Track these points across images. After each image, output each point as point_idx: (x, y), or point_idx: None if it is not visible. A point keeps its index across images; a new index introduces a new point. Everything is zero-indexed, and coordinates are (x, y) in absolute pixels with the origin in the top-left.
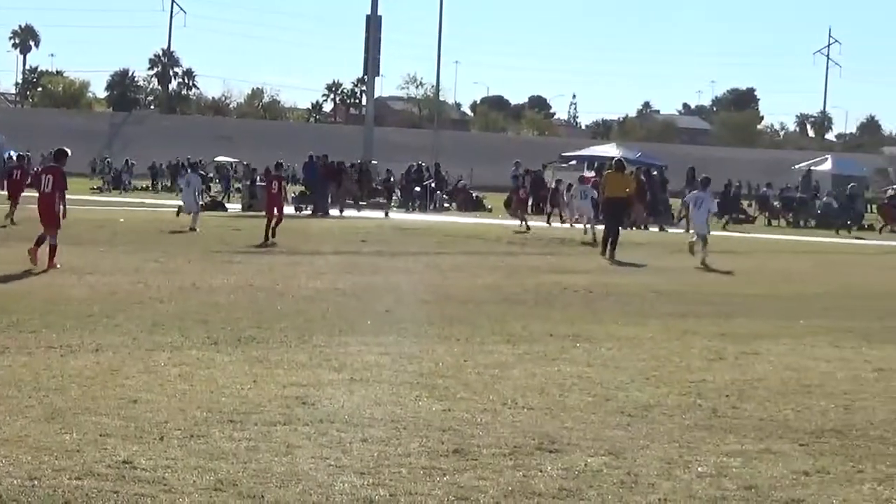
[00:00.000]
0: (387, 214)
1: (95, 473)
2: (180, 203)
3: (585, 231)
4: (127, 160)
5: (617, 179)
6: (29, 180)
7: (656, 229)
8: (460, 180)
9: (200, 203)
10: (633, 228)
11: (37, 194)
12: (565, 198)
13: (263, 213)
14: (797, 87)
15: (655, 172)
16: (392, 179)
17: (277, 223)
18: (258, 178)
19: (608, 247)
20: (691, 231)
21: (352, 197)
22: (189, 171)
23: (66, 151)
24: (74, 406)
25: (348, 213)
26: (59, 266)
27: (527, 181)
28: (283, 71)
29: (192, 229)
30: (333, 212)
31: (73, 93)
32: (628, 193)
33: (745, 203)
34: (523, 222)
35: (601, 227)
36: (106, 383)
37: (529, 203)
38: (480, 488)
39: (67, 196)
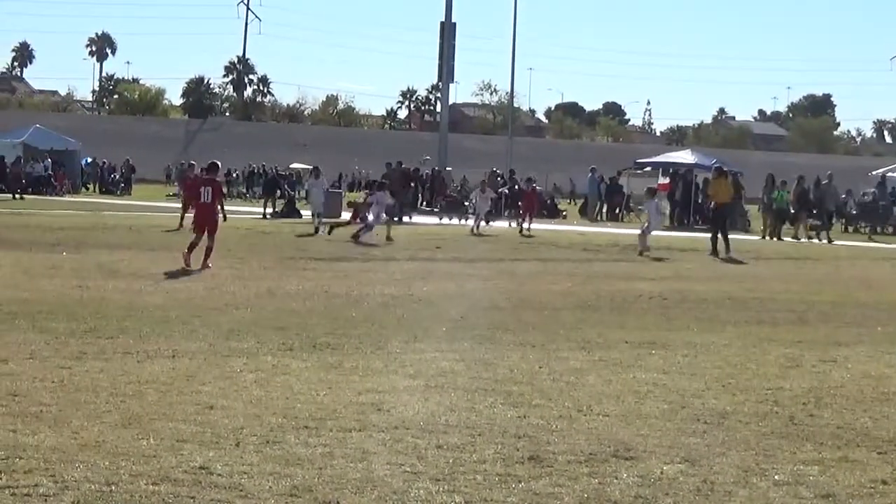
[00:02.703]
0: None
1: (172, 479)
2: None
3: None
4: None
5: (722, 185)
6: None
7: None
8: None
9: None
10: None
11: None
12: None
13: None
14: (874, 92)
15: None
16: (467, 186)
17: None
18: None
19: (721, 246)
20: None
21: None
22: (314, 177)
23: (217, 164)
24: (151, 412)
25: (423, 219)
26: (210, 266)
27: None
28: (357, 78)
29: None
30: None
31: (148, 100)
32: (732, 198)
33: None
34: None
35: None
36: (182, 389)
37: (604, 209)
38: (556, 495)
39: (143, 203)
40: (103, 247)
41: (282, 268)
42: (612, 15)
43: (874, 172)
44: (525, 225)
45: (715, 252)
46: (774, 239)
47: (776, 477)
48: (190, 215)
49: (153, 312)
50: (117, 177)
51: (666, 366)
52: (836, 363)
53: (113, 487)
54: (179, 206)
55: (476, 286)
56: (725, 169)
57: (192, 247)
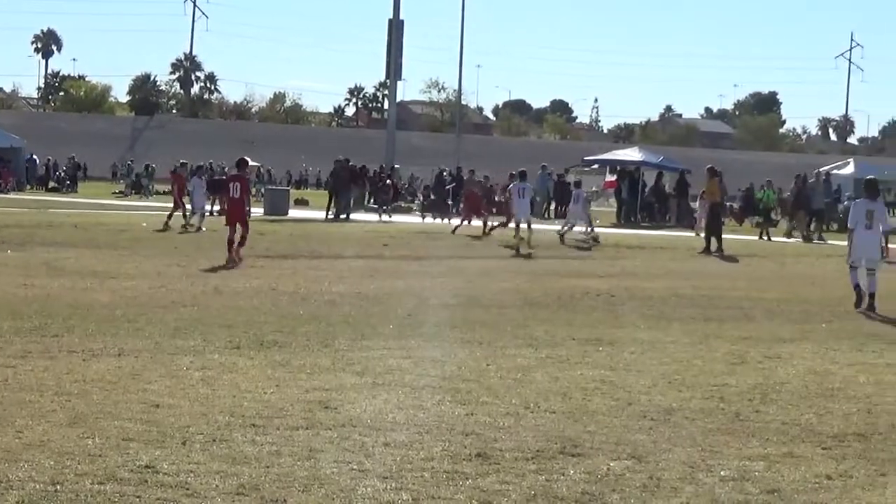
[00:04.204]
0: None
1: (118, 478)
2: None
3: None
4: (147, 165)
5: (714, 185)
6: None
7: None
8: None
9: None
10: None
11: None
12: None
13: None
14: (819, 91)
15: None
16: (415, 184)
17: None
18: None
19: (717, 243)
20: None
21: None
22: (197, 176)
23: (247, 160)
24: (97, 411)
25: (370, 217)
26: (241, 258)
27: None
28: (305, 75)
29: (199, 229)
30: (356, 216)
31: (95, 97)
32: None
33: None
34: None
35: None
36: (128, 388)
37: (552, 208)
38: (503, 492)
39: (88, 200)
40: (49, 245)
41: (229, 265)
42: (560, 13)
43: (819, 170)
44: (466, 223)
45: (708, 250)
46: (764, 239)
47: (722, 473)
48: (177, 214)
49: (99, 311)
50: (62, 174)
51: (613, 363)
52: (782, 359)
53: (58, 487)
54: (159, 204)
55: (424, 284)
56: (718, 170)
57: (230, 242)
